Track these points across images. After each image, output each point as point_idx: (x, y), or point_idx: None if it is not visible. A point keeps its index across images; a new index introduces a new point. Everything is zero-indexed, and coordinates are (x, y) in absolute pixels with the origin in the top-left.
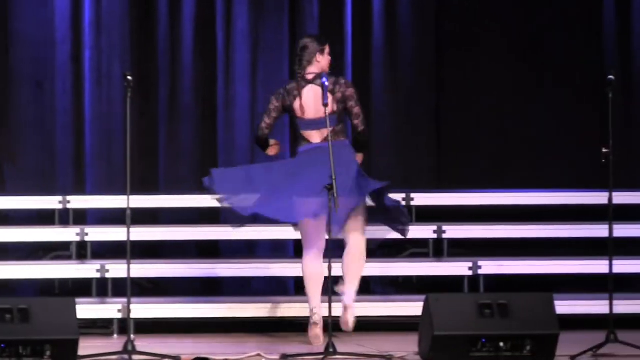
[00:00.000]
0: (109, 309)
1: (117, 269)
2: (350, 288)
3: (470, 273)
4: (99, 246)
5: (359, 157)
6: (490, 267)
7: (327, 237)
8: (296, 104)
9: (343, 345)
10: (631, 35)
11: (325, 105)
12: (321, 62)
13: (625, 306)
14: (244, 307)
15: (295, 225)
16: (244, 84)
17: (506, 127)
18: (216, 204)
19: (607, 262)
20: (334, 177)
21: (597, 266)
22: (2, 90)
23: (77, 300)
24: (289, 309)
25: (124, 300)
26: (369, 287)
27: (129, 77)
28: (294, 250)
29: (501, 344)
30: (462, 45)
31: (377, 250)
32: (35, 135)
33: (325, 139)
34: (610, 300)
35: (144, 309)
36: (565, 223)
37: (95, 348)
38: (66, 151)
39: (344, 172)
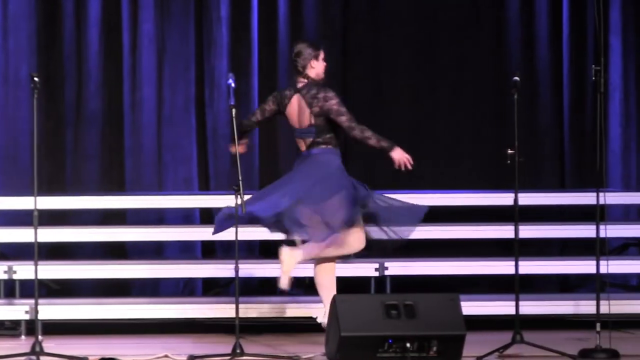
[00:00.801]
0: (17, 310)
1: (24, 270)
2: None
3: (376, 274)
4: (6, 247)
5: (395, 153)
6: (396, 268)
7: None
8: (287, 111)
9: (250, 347)
10: (535, 39)
11: (232, 106)
12: (316, 67)
13: (531, 307)
14: (151, 308)
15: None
16: (150, 87)
17: (412, 131)
18: (124, 206)
19: (513, 263)
20: (240, 179)
21: (503, 267)
22: None
23: None
24: (197, 310)
25: (32, 301)
26: (276, 288)
27: (36, 79)
28: (201, 251)
29: (408, 345)
30: (368, 51)
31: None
32: None
33: (309, 147)
34: (517, 301)
35: (52, 310)
36: (471, 224)
37: (2, 349)
38: None
39: (317, 181)
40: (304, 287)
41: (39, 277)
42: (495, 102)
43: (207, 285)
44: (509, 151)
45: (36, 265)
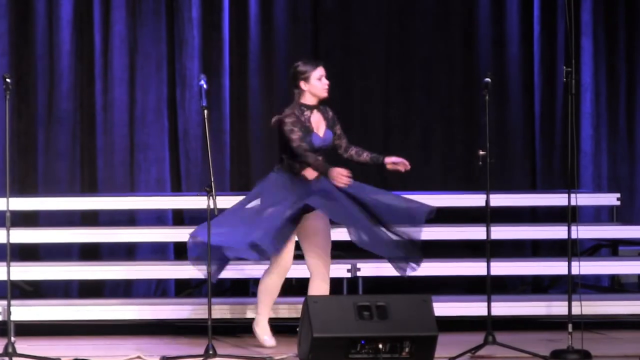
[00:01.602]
0: None
1: None
2: None
3: (349, 275)
4: None
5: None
6: (369, 269)
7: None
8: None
9: (223, 348)
10: (505, 40)
11: (204, 107)
12: (306, 89)
13: (503, 308)
14: (124, 309)
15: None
16: (122, 88)
17: (382, 132)
18: (96, 207)
19: (484, 264)
20: (212, 179)
21: (475, 268)
22: None
23: None
24: (170, 311)
25: (4, 302)
26: (248, 289)
27: (8, 80)
28: (174, 253)
29: (380, 346)
30: (339, 50)
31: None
32: None
33: None
34: (489, 302)
35: (25, 311)
36: (442, 225)
37: None
38: None
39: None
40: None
41: (12, 278)
42: (466, 103)
43: (179, 287)
44: (480, 152)
45: (8, 266)
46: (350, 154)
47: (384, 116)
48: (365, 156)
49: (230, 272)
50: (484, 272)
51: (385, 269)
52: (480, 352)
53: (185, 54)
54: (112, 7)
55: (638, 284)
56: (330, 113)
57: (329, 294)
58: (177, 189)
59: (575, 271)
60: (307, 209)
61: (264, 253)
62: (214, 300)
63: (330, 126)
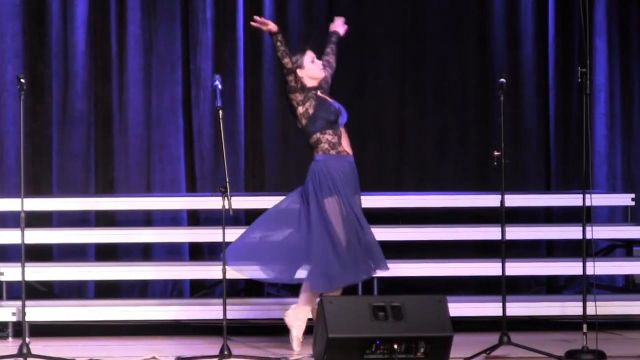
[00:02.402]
0: (4, 312)
1: (11, 272)
2: None
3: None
4: None
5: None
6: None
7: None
8: None
9: (238, 348)
10: (520, 40)
11: (218, 108)
12: (304, 75)
13: (517, 308)
14: (139, 310)
15: None
16: (136, 88)
17: (397, 132)
18: (110, 207)
19: (499, 265)
20: (227, 179)
21: (489, 268)
22: None
23: None
24: (185, 312)
25: (19, 303)
26: (263, 289)
27: (22, 80)
28: (189, 253)
29: (395, 346)
30: (354, 50)
31: None
32: None
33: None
34: (503, 302)
35: (40, 312)
36: (457, 226)
37: None
38: None
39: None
40: (290, 288)
41: (26, 279)
42: (481, 104)
43: (194, 287)
44: (495, 153)
45: (23, 267)
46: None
47: (399, 116)
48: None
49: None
50: (498, 273)
51: (400, 269)
52: (495, 353)
53: (199, 54)
54: (127, 8)
55: None
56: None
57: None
58: (191, 189)
59: (589, 271)
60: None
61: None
62: (228, 300)
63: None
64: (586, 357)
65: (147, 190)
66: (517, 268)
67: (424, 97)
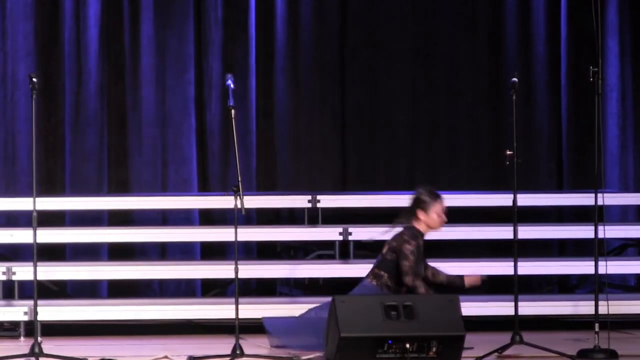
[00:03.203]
0: (16, 311)
1: (23, 271)
2: None
3: None
4: (5, 248)
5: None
6: None
7: None
8: None
9: (250, 347)
10: (532, 40)
11: (231, 107)
12: (422, 219)
13: (529, 307)
14: (150, 309)
15: None
16: (149, 88)
17: (410, 132)
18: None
19: (511, 264)
20: (239, 179)
21: (501, 267)
22: None
23: None
24: (197, 311)
25: (31, 302)
26: (275, 289)
27: (34, 79)
28: (200, 252)
29: (407, 346)
30: (366, 49)
31: (282, 252)
32: None
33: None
34: (516, 301)
35: (51, 311)
36: (469, 225)
37: (2, 350)
38: None
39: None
40: (303, 288)
41: (38, 278)
42: (492, 103)
43: (206, 286)
44: (508, 152)
45: (35, 266)
46: (426, 273)
47: (411, 115)
48: (442, 277)
49: (257, 271)
50: (510, 272)
51: None
52: (508, 352)
53: (211, 53)
54: (140, 8)
55: None
56: None
57: None
58: (203, 188)
59: (602, 271)
60: None
61: None
62: (241, 300)
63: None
64: (598, 356)
65: (159, 190)
66: (530, 267)
67: (436, 96)
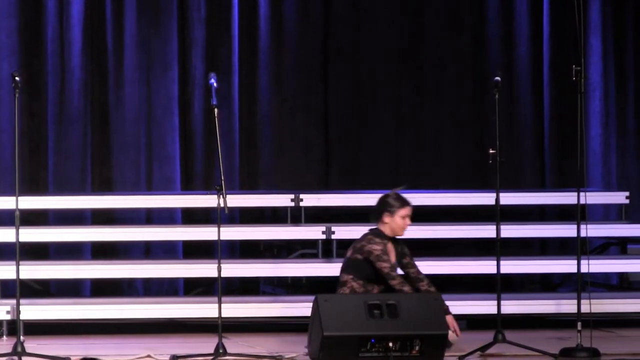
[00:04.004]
0: None
1: (6, 270)
2: None
3: None
4: None
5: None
6: None
7: None
8: None
9: (233, 346)
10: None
11: (214, 106)
12: (387, 222)
13: (512, 306)
14: (133, 308)
15: None
16: (133, 86)
17: (393, 131)
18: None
19: (494, 262)
20: (222, 178)
21: (484, 266)
22: None
23: None
24: (180, 310)
25: (13, 301)
26: (258, 287)
27: (17, 78)
28: (182, 251)
29: (390, 344)
30: (350, 49)
31: (266, 251)
32: None
33: None
34: (498, 300)
35: (34, 310)
36: (452, 224)
37: None
38: None
39: None
40: (286, 287)
41: (21, 277)
42: (476, 102)
43: (189, 285)
44: (491, 151)
45: (18, 265)
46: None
47: (394, 114)
48: (421, 286)
49: (241, 270)
50: (493, 271)
51: None
52: (490, 351)
53: (195, 53)
54: (123, 6)
55: None
56: (402, 247)
57: None
58: (186, 187)
59: (584, 269)
60: None
61: None
62: (224, 299)
63: (398, 258)
64: (581, 354)
65: (144, 188)
66: (512, 266)
67: (420, 95)
